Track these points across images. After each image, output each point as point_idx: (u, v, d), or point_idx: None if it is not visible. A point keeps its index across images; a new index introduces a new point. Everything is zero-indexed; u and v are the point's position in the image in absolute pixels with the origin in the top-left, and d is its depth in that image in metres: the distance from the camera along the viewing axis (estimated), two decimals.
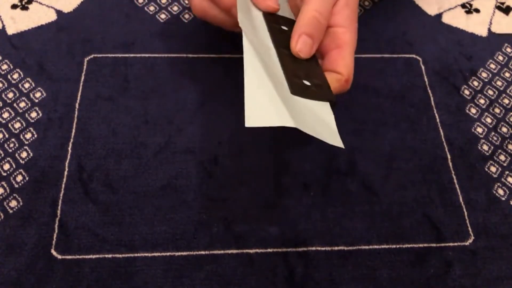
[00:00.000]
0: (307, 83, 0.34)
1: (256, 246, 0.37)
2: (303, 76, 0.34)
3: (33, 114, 0.42)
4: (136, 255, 0.36)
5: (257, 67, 0.33)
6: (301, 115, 0.32)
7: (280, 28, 0.37)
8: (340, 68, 0.34)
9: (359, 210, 0.39)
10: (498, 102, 0.45)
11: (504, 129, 0.44)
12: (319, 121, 0.33)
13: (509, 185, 0.41)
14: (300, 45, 0.34)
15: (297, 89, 0.33)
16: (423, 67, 0.47)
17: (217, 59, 0.46)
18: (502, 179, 0.41)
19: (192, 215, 0.38)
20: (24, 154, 0.40)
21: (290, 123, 0.29)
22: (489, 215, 0.39)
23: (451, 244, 0.38)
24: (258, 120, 0.29)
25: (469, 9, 0.51)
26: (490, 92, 0.46)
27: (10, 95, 0.43)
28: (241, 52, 0.33)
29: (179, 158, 0.40)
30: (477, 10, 0.51)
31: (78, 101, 0.43)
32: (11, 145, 0.40)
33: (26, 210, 0.37)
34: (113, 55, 0.45)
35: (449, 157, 0.42)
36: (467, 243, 0.38)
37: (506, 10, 0.52)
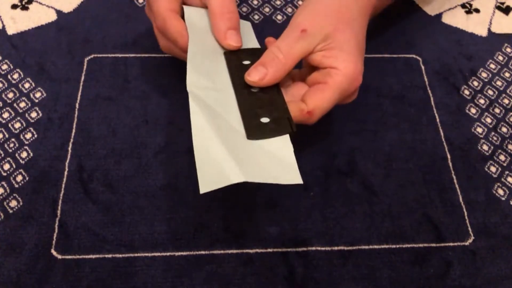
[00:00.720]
0: (265, 120, 0.35)
1: (256, 246, 0.37)
2: (262, 112, 0.35)
3: (33, 114, 0.42)
4: (136, 255, 0.36)
5: (205, 128, 0.34)
6: (256, 163, 0.33)
7: (241, 63, 0.38)
8: (310, 100, 0.35)
9: (359, 210, 0.39)
10: (498, 102, 0.45)
11: (504, 129, 0.44)
12: (276, 160, 0.34)
13: (509, 185, 0.41)
14: (253, 73, 0.36)
15: (253, 133, 0.34)
16: (423, 67, 0.47)
17: None
18: (502, 179, 0.41)
19: (192, 215, 0.38)
20: (24, 154, 0.40)
21: (241, 179, 0.30)
22: (489, 215, 0.39)
23: (451, 244, 0.38)
24: (211, 185, 0.30)
25: (469, 9, 0.51)
26: (490, 92, 0.46)
27: (10, 95, 0.43)
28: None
29: (179, 158, 0.40)
30: (477, 10, 0.51)
31: (78, 101, 0.43)
32: (11, 145, 0.40)
33: (26, 210, 0.37)
34: (113, 55, 0.46)
35: (449, 157, 0.42)
36: (467, 243, 0.38)
37: (506, 10, 0.52)
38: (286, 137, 0.35)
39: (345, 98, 0.37)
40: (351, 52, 0.35)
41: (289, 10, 0.50)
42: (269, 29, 0.48)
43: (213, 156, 0.32)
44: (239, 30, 0.38)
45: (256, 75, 0.36)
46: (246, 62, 0.38)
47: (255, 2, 0.50)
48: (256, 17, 0.49)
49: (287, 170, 0.33)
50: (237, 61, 0.38)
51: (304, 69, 0.39)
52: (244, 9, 0.49)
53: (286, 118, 0.35)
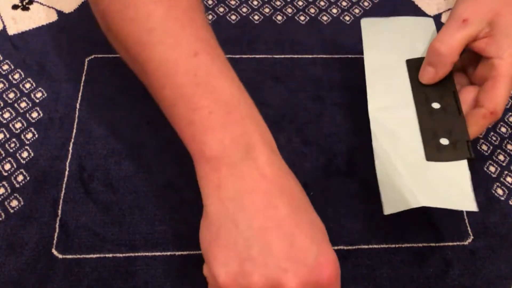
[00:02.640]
0: (444, 141, 0.36)
1: None
2: (441, 132, 0.36)
3: (34, 114, 0.42)
4: (136, 254, 0.36)
5: (385, 152, 0.36)
6: (432, 186, 0.34)
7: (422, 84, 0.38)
8: (488, 101, 0.35)
9: (359, 210, 0.39)
10: None
11: (503, 129, 0.44)
12: (452, 185, 0.35)
13: (508, 185, 0.41)
14: (423, 75, 0.37)
15: (432, 154, 0.35)
16: None
17: None
18: (501, 179, 0.41)
19: (192, 215, 0.38)
20: (25, 154, 0.40)
21: (419, 204, 0.33)
22: (488, 215, 0.39)
23: (450, 243, 0.38)
24: (393, 208, 0.33)
25: None
26: None
27: (11, 95, 0.43)
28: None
29: (179, 158, 0.40)
30: None
31: (78, 101, 0.43)
32: (12, 145, 0.40)
33: (27, 210, 0.37)
34: (113, 55, 0.46)
35: None
36: (466, 243, 0.38)
37: None
38: (464, 162, 0.35)
39: None
40: None
41: (289, 10, 0.50)
42: (270, 29, 0.48)
43: (393, 181, 0.34)
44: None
45: (427, 76, 0.37)
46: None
47: (255, 3, 0.50)
48: (256, 17, 0.49)
49: (463, 197, 0.34)
50: (418, 71, 0.38)
51: (464, 55, 0.38)
52: (244, 9, 0.50)
53: (465, 141, 0.35)
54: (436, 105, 0.37)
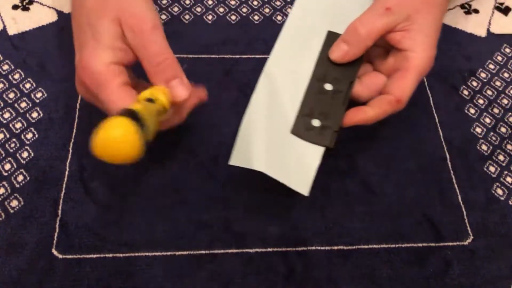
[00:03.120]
0: (316, 123, 0.36)
1: (256, 245, 0.37)
2: (318, 114, 0.36)
3: (34, 114, 0.42)
4: (136, 254, 0.36)
5: (259, 110, 0.36)
6: (282, 159, 0.35)
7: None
8: (396, 88, 0.36)
9: (359, 210, 0.39)
10: (497, 102, 0.45)
11: (503, 129, 0.44)
12: (300, 166, 0.35)
13: (508, 185, 0.41)
14: (335, 51, 0.37)
15: (297, 129, 0.36)
16: None
17: (217, 59, 0.46)
18: (501, 179, 0.41)
19: (192, 215, 0.38)
20: (25, 154, 0.40)
21: (261, 169, 0.33)
22: (488, 214, 0.39)
23: (450, 243, 0.38)
24: (238, 162, 0.34)
25: (468, 10, 0.52)
26: (489, 92, 0.46)
27: (11, 95, 0.43)
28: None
29: (180, 158, 0.40)
30: (476, 11, 0.52)
31: (78, 101, 0.43)
32: (12, 145, 0.40)
33: (27, 210, 0.37)
34: None
35: (448, 157, 0.42)
36: (466, 243, 0.38)
37: (505, 10, 0.52)
38: (321, 149, 0.36)
39: (421, 79, 0.38)
40: (429, 35, 0.37)
41: (289, 10, 0.50)
42: (269, 29, 0.48)
43: (252, 138, 0.34)
44: (180, 75, 0.34)
45: (338, 53, 0.37)
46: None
47: (255, 3, 0.50)
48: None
49: (302, 179, 0.34)
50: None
51: (373, 48, 0.39)
52: (244, 9, 0.50)
53: (333, 131, 0.36)
54: (328, 87, 0.37)
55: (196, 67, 0.45)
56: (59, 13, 0.48)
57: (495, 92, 0.46)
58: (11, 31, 0.47)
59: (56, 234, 0.37)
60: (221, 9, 0.49)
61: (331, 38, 0.39)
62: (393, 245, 0.38)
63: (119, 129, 0.27)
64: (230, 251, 0.37)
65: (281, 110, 0.36)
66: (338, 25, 0.39)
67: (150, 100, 0.31)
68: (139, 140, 0.27)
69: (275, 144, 0.35)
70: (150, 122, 0.29)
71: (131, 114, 0.28)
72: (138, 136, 0.27)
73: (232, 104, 0.43)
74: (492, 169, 0.42)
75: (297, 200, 0.39)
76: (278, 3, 0.50)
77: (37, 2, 0.49)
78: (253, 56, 0.46)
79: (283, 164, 0.34)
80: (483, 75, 0.47)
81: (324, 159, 0.41)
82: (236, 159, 0.34)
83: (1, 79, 0.44)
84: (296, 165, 0.35)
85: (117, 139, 0.27)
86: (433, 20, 0.37)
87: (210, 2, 0.50)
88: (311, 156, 0.35)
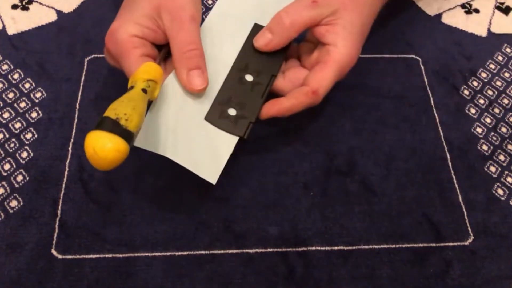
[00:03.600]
0: (232, 112, 0.36)
1: (256, 245, 0.37)
2: (235, 103, 0.36)
3: (34, 114, 0.42)
4: (136, 254, 0.36)
5: (174, 93, 0.35)
6: (191, 145, 0.34)
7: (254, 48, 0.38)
8: (313, 80, 0.36)
9: (359, 210, 0.39)
10: (497, 102, 0.45)
11: (504, 129, 0.44)
12: (211, 154, 0.35)
13: (509, 185, 0.41)
14: (259, 38, 0.38)
15: (212, 116, 0.36)
16: (422, 67, 0.47)
17: None
18: (502, 179, 0.41)
19: (192, 215, 0.38)
20: (24, 154, 0.40)
21: (166, 154, 0.33)
22: (488, 215, 0.39)
23: (450, 243, 0.38)
24: (143, 144, 0.33)
25: (468, 9, 0.52)
26: (490, 92, 0.46)
27: (11, 95, 0.43)
28: None
29: None
30: (476, 10, 0.51)
31: (78, 101, 0.43)
32: (12, 145, 0.40)
33: (27, 210, 0.37)
34: None
35: (448, 157, 0.42)
36: (466, 243, 0.38)
37: (505, 10, 0.52)
38: (234, 139, 0.36)
39: (342, 76, 0.38)
40: (353, 32, 0.37)
41: None
42: None
43: (161, 122, 0.34)
44: (203, 68, 0.36)
45: (262, 41, 0.37)
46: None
47: None
48: None
49: (211, 168, 0.34)
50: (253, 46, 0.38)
51: (303, 44, 0.40)
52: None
53: (249, 122, 0.36)
54: (249, 78, 0.37)
55: None
56: (59, 12, 0.48)
57: (496, 92, 0.46)
58: (11, 31, 0.47)
59: (55, 234, 0.37)
60: None
61: (257, 30, 0.39)
62: (393, 245, 0.38)
63: (102, 150, 0.28)
64: (230, 251, 0.37)
65: (197, 96, 0.36)
66: (267, 18, 0.38)
67: (144, 90, 0.32)
68: (123, 147, 0.28)
69: (186, 131, 0.35)
70: (133, 117, 0.29)
71: (113, 125, 0.28)
72: (121, 146, 0.28)
73: None
74: (492, 169, 0.42)
75: (297, 200, 0.39)
76: None
77: (37, 2, 0.49)
78: None
79: (193, 151, 0.34)
80: (483, 75, 0.47)
81: (324, 159, 0.41)
82: (142, 142, 0.33)
83: (1, 79, 0.44)
84: (207, 153, 0.35)
85: (102, 158, 0.28)
86: (360, 18, 0.37)
87: (210, 2, 0.50)
88: (224, 145, 0.35)
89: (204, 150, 0.35)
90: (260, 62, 0.38)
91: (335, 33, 0.36)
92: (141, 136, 0.33)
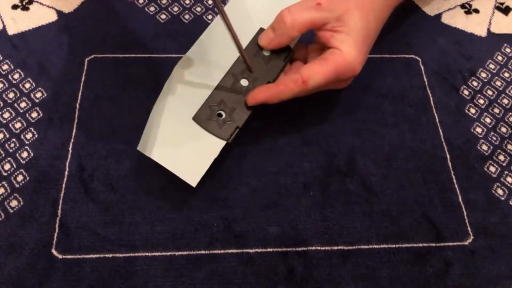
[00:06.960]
0: (220, 115, 0.36)
1: (256, 245, 0.37)
2: (226, 106, 0.37)
3: (34, 114, 0.42)
4: (136, 254, 0.36)
5: (170, 98, 0.36)
6: (176, 145, 0.35)
7: (260, 49, 0.39)
8: (306, 70, 0.36)
9: (359, 210, 0.39)
10: (497, 102, 0.45)
11: (504, 129, 0.44)
12: (196, 157, 0.35)
13: (508, 185, 0.41)
14: (263, 36, 0.38)
15: (200, 117, 0.36)
16: (422, 68, 0.47)
17: None
18: (502, 179, 0.41)
19: (192, 215, 0.38)
20: (24, 154, 0.40)
21: (150, 155, 0.35)
22: (488, 215, 0.39)
23: (450, 243, 0.38)
24: (142, 147, 0.35)
25: (468, 10, 0.52)
26: (490, 92, 0.46)
27: (11, 95, 0.43)
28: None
29: None
30: (476, 11, 0.51)
31: (78, 101, 0.43)
32: (12, 145, 0.40)
33: (27, 210, 0.37)
34: (113, 55, 0.46)
35: (448, 157, 0.42)
36: (466, 243, 0.38)
37: (505, 10, 0.52)
38: (221, 143, 0.36)
39: (339, 82, 0.38)
40: (358, 40, 0.37)
41: None
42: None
43: (154, 125, 0.36)
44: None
45: (264, 38, 0.38)
46: (266, 53, 0.39)
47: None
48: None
49: (193, 171, 0.35)
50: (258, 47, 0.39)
51: (312, 45, 0.40)
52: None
53: (236, 126, 0.36)
54: (244, 82, 0.37)
55: None
56: (59, 13, 0.48)
57: (496, 92, 0.46)
58: (11, 31, 0.47)
59: (55, 234, 0.37)
60: None
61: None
62: (393, 245, 0.38)
63: None
64: (230, 251, 0.37)
65: (191, 98, 0.36)
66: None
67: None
68: None
69: (174, 133, 0.35)
70: None
71: None
72: None
73: None
74: (492, 169, 0.42)
75: (297, 200, 0.39)
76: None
77: (37, 2, 0.49)
78: None
79: (178, 154, 0.35)
80: (483, 75, 0.47)
81: (324, 159, 0.41)
82: (142, 146, 0.35)
83: (1, 79, 0.44)
84: (191, 154, 0.35)
85: None
86: (365, 25, 0.37)
87: (210, 2, 0.50)
88: (209, 148, 0.35)
89: (188, 152, 0.35)
90: (258, 67, 0.38)
91: (340, 40, 0.36)
92: (142, 141, 0.34)
